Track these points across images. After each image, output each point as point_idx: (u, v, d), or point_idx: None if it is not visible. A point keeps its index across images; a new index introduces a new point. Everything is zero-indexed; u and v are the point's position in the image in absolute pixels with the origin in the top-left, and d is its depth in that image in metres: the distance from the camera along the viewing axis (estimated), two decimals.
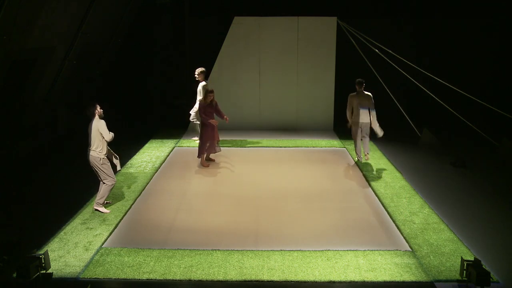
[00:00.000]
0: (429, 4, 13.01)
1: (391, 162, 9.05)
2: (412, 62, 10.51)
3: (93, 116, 6.48)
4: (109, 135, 6.45)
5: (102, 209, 6.61)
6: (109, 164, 6.59)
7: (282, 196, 7.34)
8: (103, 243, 5.68)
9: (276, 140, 10.93)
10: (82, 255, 5.37)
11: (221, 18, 12.22)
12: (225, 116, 8.85)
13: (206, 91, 8.72)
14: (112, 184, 6.62)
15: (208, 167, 8.80)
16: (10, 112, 7.92)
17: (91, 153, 6.45)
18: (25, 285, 4.63)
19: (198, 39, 12.50)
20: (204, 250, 5.48)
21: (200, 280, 4.88)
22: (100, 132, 6.42)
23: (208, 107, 8.65)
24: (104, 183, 6.56)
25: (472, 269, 4.62)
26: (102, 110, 6.56)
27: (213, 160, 9.14)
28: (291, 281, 4.87)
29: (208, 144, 8.73)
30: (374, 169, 8.59)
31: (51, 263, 4.98)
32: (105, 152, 6.53)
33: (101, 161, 6.49)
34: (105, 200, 6.71)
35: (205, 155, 8.90)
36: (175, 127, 12.16)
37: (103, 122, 6.48)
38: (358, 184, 7.92)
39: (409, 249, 5.56)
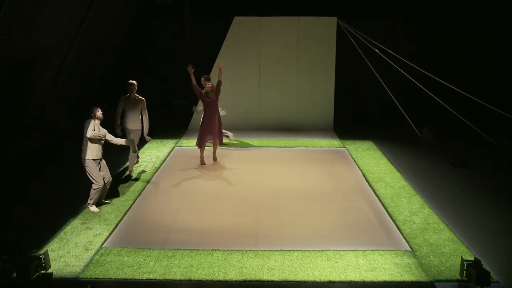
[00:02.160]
0: (429, 4, 13.01)
1: (391, 162, 9.05)
2: (412, 62, 10.52)
3: (91, 118, 6.54)
4: (89, 132, 6.42)
5: (92, 207, 6.65)
6: (94, 166, 6.52)
7: (282, 196, 7.34)
8: (103, 243, 5.67)
9: (276, 140, 10.93)
10: (82, 255, 5.37)
11: (221, 18, 12.22)
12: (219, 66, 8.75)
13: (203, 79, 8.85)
14: (97, 188, 6.56)
15: (206, 166, 8.80)
16: (10, 112, 7.92)
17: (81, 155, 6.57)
18: (25, 285, 4.63)
19: (198, 39, 12.51)
20: (204, 250, 5.48)
21: (200, 280, 4.88)
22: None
23: (208, 98, 8.59)
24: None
25: (472, 269, 4.62)
26: (101, 113, 6.59)
27: (215, 160, 9.13)
28: (291, 281, 4.87)
29: (208, 137, 8.71)
30: (374, 169, 8.59)
31: (51, 263, 4.98)
32: (91, 155, 6.48)
33: (85, 163, 6.51)
34: (97, 200, 6.70)
35: (204, 149, 8.81)
36: (175, 127, 12.17)
37: (89, 121, 6.50)
38: (358, 184, 7.92)
39: (409, 249, 5.56)
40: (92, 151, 6.51)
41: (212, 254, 5.37)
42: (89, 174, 6.53)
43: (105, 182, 6.70)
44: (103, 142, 6.67)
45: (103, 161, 6.73)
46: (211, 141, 8.86)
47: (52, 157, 9.33)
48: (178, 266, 5.12)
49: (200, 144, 8.73)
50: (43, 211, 6.68)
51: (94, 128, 6.49)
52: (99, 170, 6.62)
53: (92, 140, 6.49)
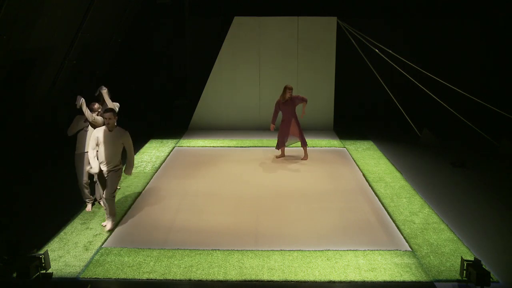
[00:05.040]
0: (429, 4, 13.01)
1: (391, 162, 9.05)
2: (412, 62, 10.52)
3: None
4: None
5: (87, 207, 6.71)
6: (77, 161, 6.56)
7: (282, 196, 7.34)
8: (103, 243, 5.67)
9: (276, 140, 10.91)
10: (82, 255, 5.37)
11: (221, 18, 12.23)
12: (303, 109, 9.13)
13: (285, 88, 8.84)
14: (79, 183, 6.64)
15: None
16: (10, 111, 7.92)
17: None
18: (25, 285, 4.63)
19: (198, 39, 12.52)
20: (204, 250, 5.48)
21: (200, 280, 4.88)
22: None
23: (284, 105, 8.89)
24: None
25: (472, 269, 4.62)
26: (93, 106, 6.61)
27: (306, 159, 9.32)
28: (291, 281, 4.87)
29: (286, 139, 9.12)
30: (374, 169, 8.59)
31: (51, 263, 4.99)
32: (77, 149, 6.54)
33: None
34: (90, 198, 6.73)
35: (283, 149, 9.37)
36: (175, 127, 12.18)
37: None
38: (358, 184, 7.92)
39: (409, 249, 5.56)
40: (79, 145, 6.55)
41: (212, 254, 5.37)
42: None
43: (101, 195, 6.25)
44: (85, 132, 6.55)
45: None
46: (296, 141, 9.26)
47: (52, 157, 9.33)
48: (178, 266, 5.13)
49: (278, 147, 9.25)
50: (43, 211, 6.68)
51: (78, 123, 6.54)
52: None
53: (78, 134, 6.53)
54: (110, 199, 5.94)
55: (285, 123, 9.01)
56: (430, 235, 5.88)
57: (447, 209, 6.78)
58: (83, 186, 6.60)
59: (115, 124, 5.92)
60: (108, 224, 6.05)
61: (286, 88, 8.81)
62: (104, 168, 5.89)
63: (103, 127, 5.88)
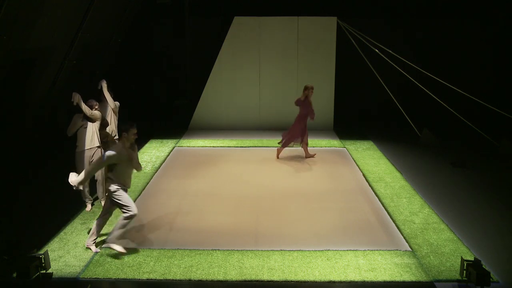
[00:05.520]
0: (429, 4, 13.01)
1: (391, 162, 9.05)
2: (412, 62, 10.52)
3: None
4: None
5: (87, 206, 6.77)
6: (77, 159, 6.61)
7: (282, 196, 7.34)
8: (103, 243, 5.67)
9: (276, 140, 10.91)
10: (82, 255, 5.37)
11: (221, 18, 12.24)
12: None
13: (308, 87, 8.87)
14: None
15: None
16: (10, 111, 7.92)
17: None
18: (25, 285, 4.63)
19: (198, 39, 12.52)
20: (204, 250, 5.48)
21: (200, 280, 4.88)
22: None
23: (303, 104, 8.95)
24: None
25: (472, 269, 4.62)
26: (92, 103, 6.61)
27: (277, 158, 9.42)
28: (291, 281, 4.87)
29: (292, 140, 9.10)
30: (374, 169, 8.59)
31: (51, 263, 4.99)
32: (78, 147, 6.58)
33: None
34: (89, 197, 6.81)
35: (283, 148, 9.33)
36: (175, 127, 12.18)
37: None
38: (358, 184, 7.92)
39: (409, 249, 5.56)
40: (79, 143, 6.57)
41: (212, 254, 5.37)
42: None
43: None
44: (85, 129, 6.55)
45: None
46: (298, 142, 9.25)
47: (52, 157, 9.32)
48: (178, 266, 5.13)
49: (283, 146, 9.26)
50: (43, 211, 6.68)
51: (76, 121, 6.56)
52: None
53: (77, 131, 6.55)
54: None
55: (298, 123, 9.00)
56: (430, 235, 5.88)
57: (447, 209, 6.78)
58: (83, 185, 6.59)
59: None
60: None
61: (309, 88, 8.85)
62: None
63: (119, 148, 5.33)
